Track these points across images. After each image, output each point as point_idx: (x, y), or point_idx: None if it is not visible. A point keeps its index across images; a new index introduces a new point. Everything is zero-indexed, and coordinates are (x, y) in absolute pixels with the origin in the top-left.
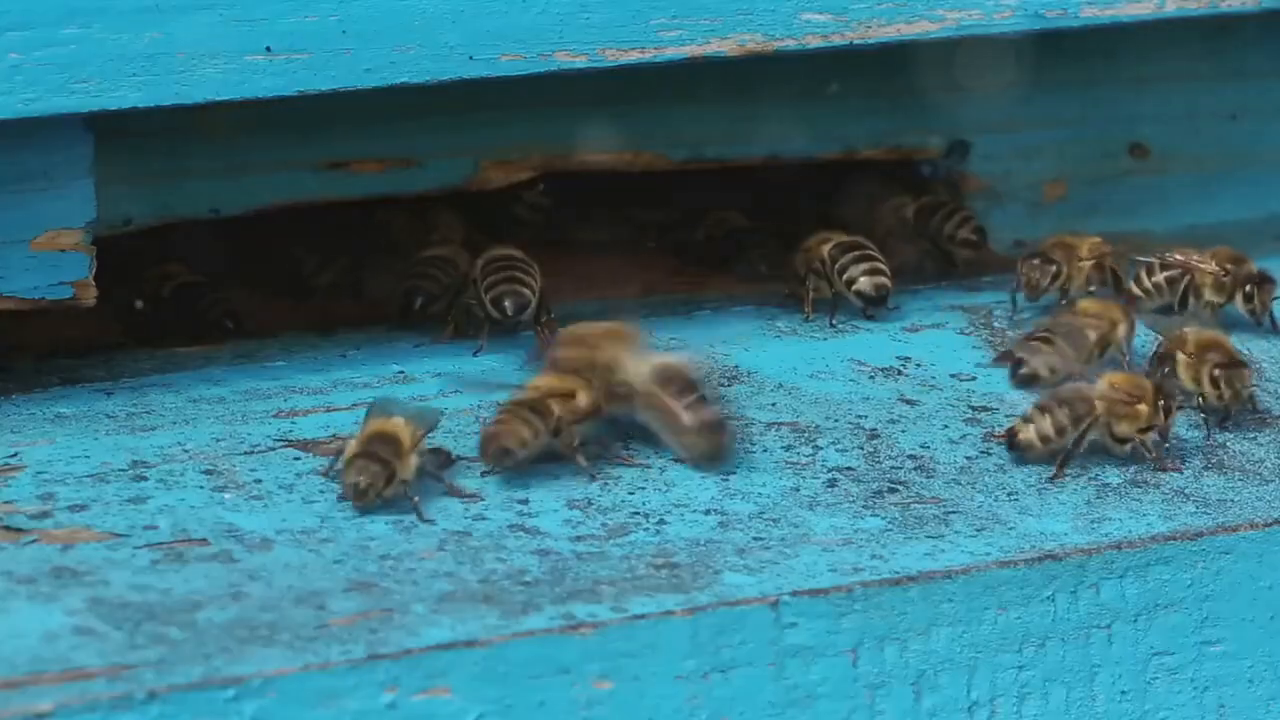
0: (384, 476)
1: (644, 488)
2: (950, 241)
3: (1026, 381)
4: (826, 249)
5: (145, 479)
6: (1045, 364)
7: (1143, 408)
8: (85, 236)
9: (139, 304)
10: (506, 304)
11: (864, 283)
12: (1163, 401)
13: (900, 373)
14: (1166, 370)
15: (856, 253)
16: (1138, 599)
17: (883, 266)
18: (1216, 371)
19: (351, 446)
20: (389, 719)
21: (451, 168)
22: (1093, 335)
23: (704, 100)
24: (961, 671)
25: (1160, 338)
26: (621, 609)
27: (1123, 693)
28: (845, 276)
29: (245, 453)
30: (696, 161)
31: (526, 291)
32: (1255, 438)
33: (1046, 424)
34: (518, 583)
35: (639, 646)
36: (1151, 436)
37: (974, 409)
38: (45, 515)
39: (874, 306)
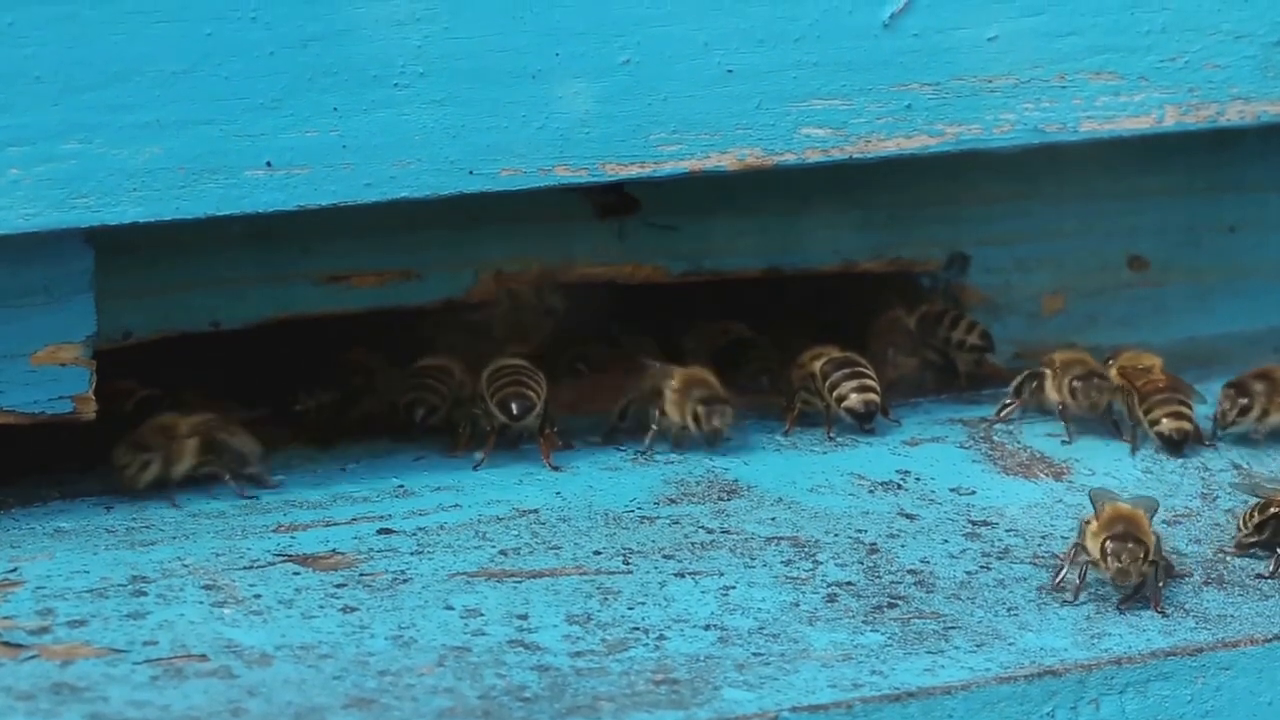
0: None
1: (644, 603)
2: (959, 349)
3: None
4: (818, 365)
5: (145, 594)
6: None
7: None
8: (85, 351)
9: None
10: (513, 406)
11: (853, 399)
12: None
13: (900, 487)
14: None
15: (847, 369)
16: (1138, 715)
17: (872, 383)
18: (1108, 542)
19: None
20: None
21: (451, 280)
22: None
23: (703, 212)
24: None
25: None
26: None
27: None
28: (835, 393)
29: (245, 568)
30: (695, 274)
31: (532, 395)
32: (1255, 552)
33: None
34: (517, 699)
35: None
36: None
37: (974, 523)
38: (44, 631)
39: (864, 422)
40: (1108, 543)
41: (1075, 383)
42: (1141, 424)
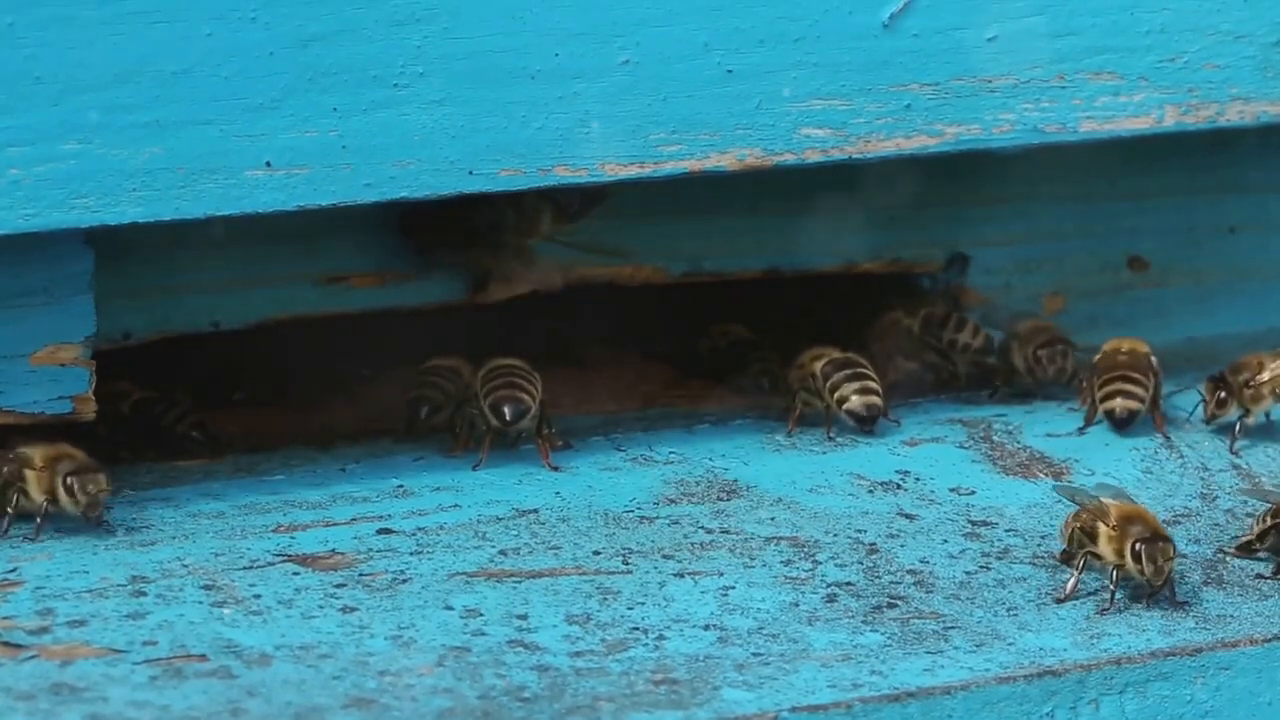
0: None
1: (643, 603)
2: (961, 352)
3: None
4: (819, 365)
5: (144, 594)
6: None
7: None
8: (84, 351)
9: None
10: (505, 410)
11: (855, 401)
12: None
13: (899, 487)
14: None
15: (849, 370)
16: (1138, 715)
17: (874, 385)
18: (1139, 545)
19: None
20: None
21: (451, 281)
22: None
23: (703, 213)
24: None
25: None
26: None
27: None
28: (837, 395)
29: (244, 568)
30: (695, 275)
31: (526, 398)
32: (1255, 553)
33: None
34: (516, 699)
35: None
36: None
37: (973, 523)
38: (44, 631)
39: (865, 425)
40: (1139, 545)
41: (1039, 351)
42: (1095, 403)
